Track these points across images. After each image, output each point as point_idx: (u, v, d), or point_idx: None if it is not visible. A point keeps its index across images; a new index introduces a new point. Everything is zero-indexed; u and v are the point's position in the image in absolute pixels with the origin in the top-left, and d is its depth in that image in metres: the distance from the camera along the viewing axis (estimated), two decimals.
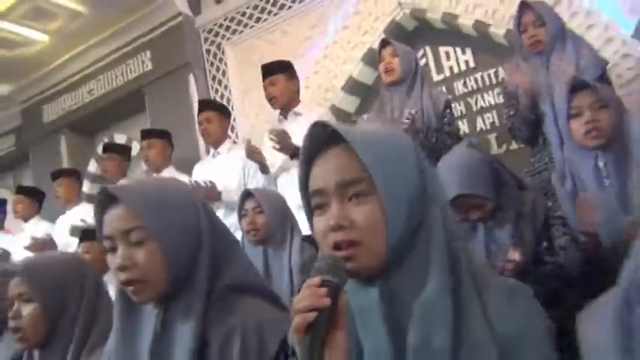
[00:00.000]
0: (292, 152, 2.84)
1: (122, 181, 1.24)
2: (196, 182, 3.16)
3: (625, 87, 2.82)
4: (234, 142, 3.95)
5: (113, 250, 1.09)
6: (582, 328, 0.83)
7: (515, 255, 1.76)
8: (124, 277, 1.07)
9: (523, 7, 2.52)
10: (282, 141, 2.80)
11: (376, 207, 0.83)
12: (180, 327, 1.09)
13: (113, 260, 1.09)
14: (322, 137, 0.89)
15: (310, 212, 0.91)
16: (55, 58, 5.23)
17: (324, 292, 0.75)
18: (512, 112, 2.57)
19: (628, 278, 0.79)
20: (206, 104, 3.67)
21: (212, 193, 3.14)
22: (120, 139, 5.27)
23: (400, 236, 0.83)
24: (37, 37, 4.83)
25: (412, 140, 0.95)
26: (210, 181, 3.20)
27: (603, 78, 2.38)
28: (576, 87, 1.95)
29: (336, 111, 3.91)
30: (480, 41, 3.51)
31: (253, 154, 2.98)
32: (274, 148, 2.86)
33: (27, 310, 1.34)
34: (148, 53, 4.83)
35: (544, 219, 1.92)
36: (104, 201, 1.11)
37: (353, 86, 3.95)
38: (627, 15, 2.79)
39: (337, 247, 0.83)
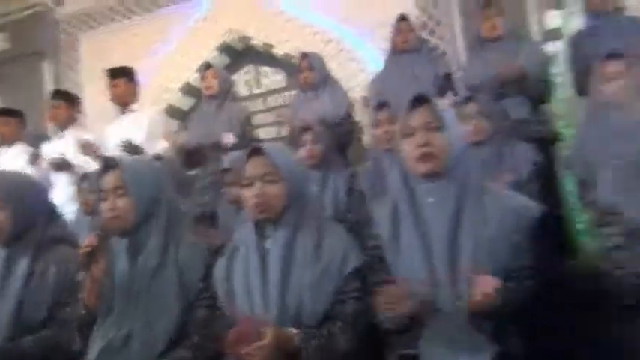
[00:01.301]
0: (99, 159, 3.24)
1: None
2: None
3: None
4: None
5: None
6: None
7: None
8: (110, 215, 1.69)
9: (302, 55, 3.51)
10: (87, 150, 3.44)
11: (129, 201, 1.68)
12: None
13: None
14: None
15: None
16: None
17: (95, 239, 1.60)
18: None
19: None
20: (57, 92, 4.15)
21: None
22: None
23: (140, 217, 1.69)
24: None
25: (158, 165, 1.83)
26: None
27: (348, 114, 3.44)
28: None
29: (173, 109, 4.60)
30: (290, 67, 4.37)
31: (90, 153, 3.49)
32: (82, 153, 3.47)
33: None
34: (7, 34, 5.11)
35: None
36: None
37: (188, 89, 4.65)
38: None
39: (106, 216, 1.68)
